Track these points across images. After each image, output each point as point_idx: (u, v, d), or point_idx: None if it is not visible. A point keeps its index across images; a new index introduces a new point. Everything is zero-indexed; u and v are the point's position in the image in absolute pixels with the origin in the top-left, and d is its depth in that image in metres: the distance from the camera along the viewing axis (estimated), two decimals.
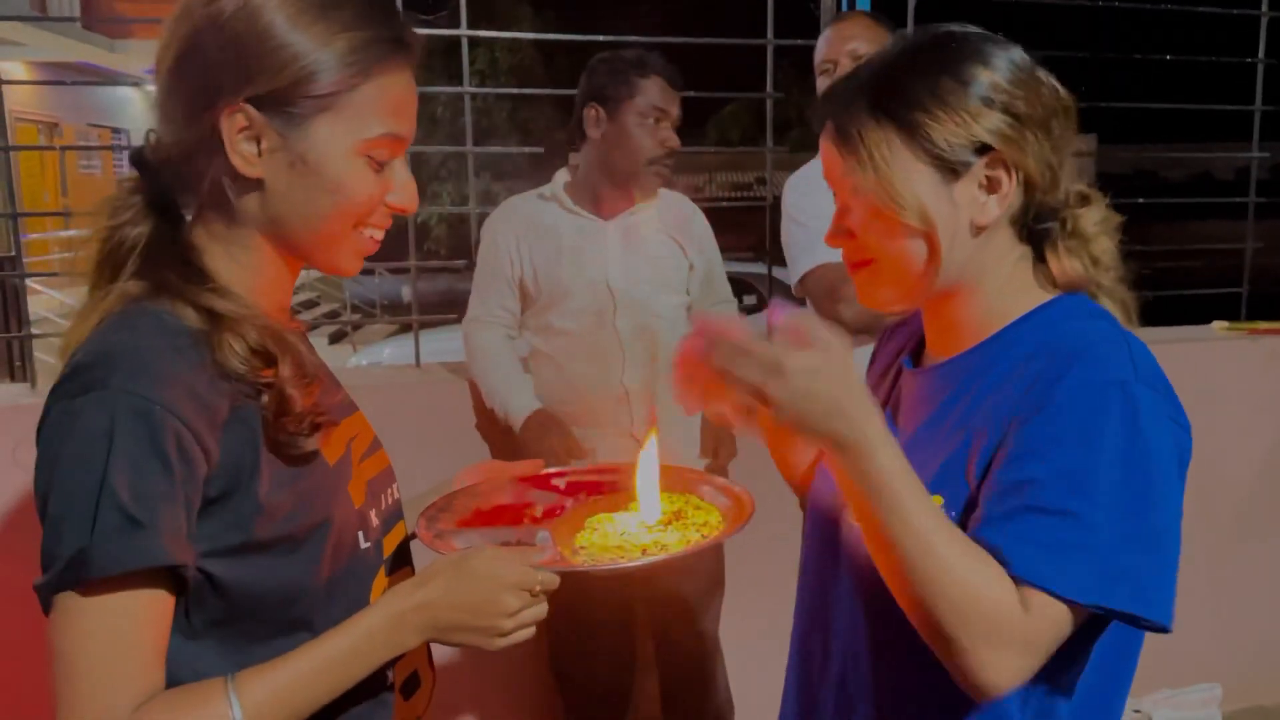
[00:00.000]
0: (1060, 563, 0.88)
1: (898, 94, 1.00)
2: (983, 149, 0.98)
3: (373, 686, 1.01)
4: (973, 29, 1.03)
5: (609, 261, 2.31)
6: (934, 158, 0.99)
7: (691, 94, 2.78)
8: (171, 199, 0.97)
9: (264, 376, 0.92)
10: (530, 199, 2.39)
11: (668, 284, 2.37)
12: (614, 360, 2.31)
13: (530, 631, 0.96)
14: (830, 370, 0.88)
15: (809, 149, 2.62)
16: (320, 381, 0.99)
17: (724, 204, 2.98)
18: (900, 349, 1.21)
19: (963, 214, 1.00)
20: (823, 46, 2.41)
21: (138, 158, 0.97)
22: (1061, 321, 1.02)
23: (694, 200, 2.51)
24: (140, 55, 14.90)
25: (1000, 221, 1.02)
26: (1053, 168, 1.01)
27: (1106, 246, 1.06)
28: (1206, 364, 3.01)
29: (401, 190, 0.98)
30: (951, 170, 0.99)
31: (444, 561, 0.96)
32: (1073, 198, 1.05)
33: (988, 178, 1.00)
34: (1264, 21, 3.15)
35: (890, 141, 0.99)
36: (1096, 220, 1.06)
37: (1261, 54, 3.17)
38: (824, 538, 1.16)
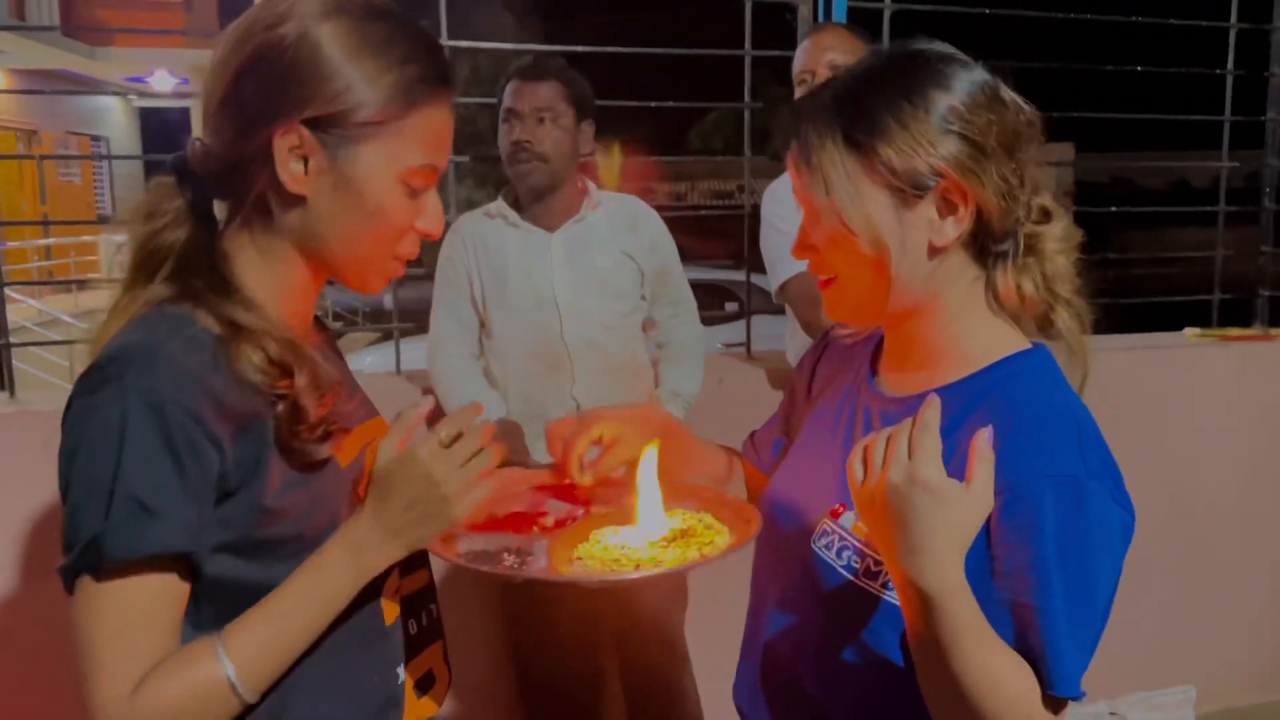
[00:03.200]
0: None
1: (856, 118, 1.00)
2: (938, 175, 0.98)
3: (384, 685, 1.06)
4: (938, 48, 1.03)
5: (554, 275, 2.30)
6: (889, 183, 0.99)
7: (671, 104, 2.81)
8: (209, 206, 1.01)
9: (280, 387, 0.96)
10: (478, 217, 2.39)
11: (617, 294, 2.36)
12: (563, 374, 2.31)
13: (483, 482, 0.98)
14: (948, 511, 0.87)
15: None
16: (336, 392, 1.02)
17: (702, 212, 3.00)
18: (851, 355, 1.22)
19: (918, 236, 1.00)
20: (801, 57, 2.44)
21: (179, 164, 1.01)
22: (1019, 381, 1.02)
23: (675, 208, 2.51)
24: (120, 63, 14.86)
25: (955, 243, 1.02)
26: (1011, 191, 1.01)
27: (1062, 264, 1.05)
28: (1179, 370, 3.05)
29: (430, 216, 1.03)
30: (907, 195, 0.99)
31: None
32: (1035, 212, 1.05)
33: (944, 201, 1.00)
34: (1232, 34, 3.21)
35: (846, 165, 1.00)
36: (1057, 238, 1.05)
37: (1230, 65, 3.23)
38: (771, 548, 1.18)
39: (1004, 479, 0.92)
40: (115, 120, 17.43)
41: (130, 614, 0.89)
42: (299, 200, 0.97)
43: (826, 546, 1.08)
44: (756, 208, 2.60)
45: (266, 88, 0.95)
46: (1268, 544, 3.15)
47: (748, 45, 2.80)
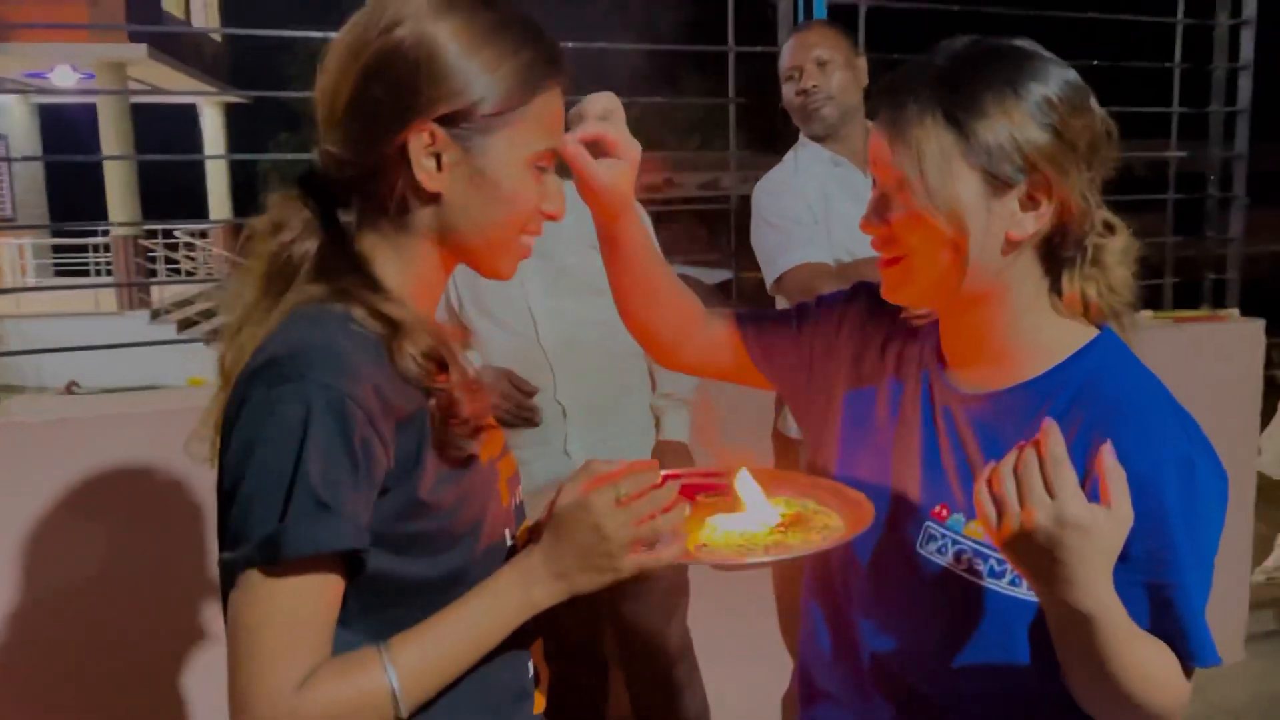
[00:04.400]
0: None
1: (960, 99, 1.00)
2: (1031, 167, 1.00)
3: (517, 679, 1.10)
4: (1038, 48, 1.05)
5: (525, 278, 2.27)
6: (982, 166, 1.00)
7: (658, 99, 2.81)
8: (337, 214, 1.02)
9: (436, 382, 0.98)
10: None
11: (594, 289, 2.25)
12: (545, 379, 2.28)
13: (658, 552, 0.98)
14: (1097, 541, 0.88)
15: (776, 151, 2.69)
16: (482, 387, 1.04)
17: (685, 207, 3.03)
18: (902, 333, 1.20)
19: (998, 226, 1.01)
20: (787, 55, 2.48)
21: (306, 176, 1.03)
22: (1104, 369, 1.06)
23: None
24: (19, 58, 14.24)
25: (1030, 240, 1.03)
26: (1089, 197, 1.03)
27: (1124, 276, 1.08)
28: (1139, 351, 3.17)
29: (554, 198, 1.05)
30: (997, 182, 1.00)
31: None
32: (1099, 225, 1.06)
33: (1029, 195, 1.01)
34: (1179, 29, 3.35)
35: (943, 142, 1.00)
36: (1119, 250, 1.07)
37: (1177, 59, 3.37)
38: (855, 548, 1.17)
39: (1124, 469, 0.93)
40: (14, 118, 16.73)
41: (298, 610, 0.90)
42: (434, 197, 0.99)
43: (939, 551, 1.09)
44: (742, 201, 2.64)
45: (394, 92, 0.96)
46: None
47: (730, 41, 2.83)
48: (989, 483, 0.91)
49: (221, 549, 0.91)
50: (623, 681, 2.55)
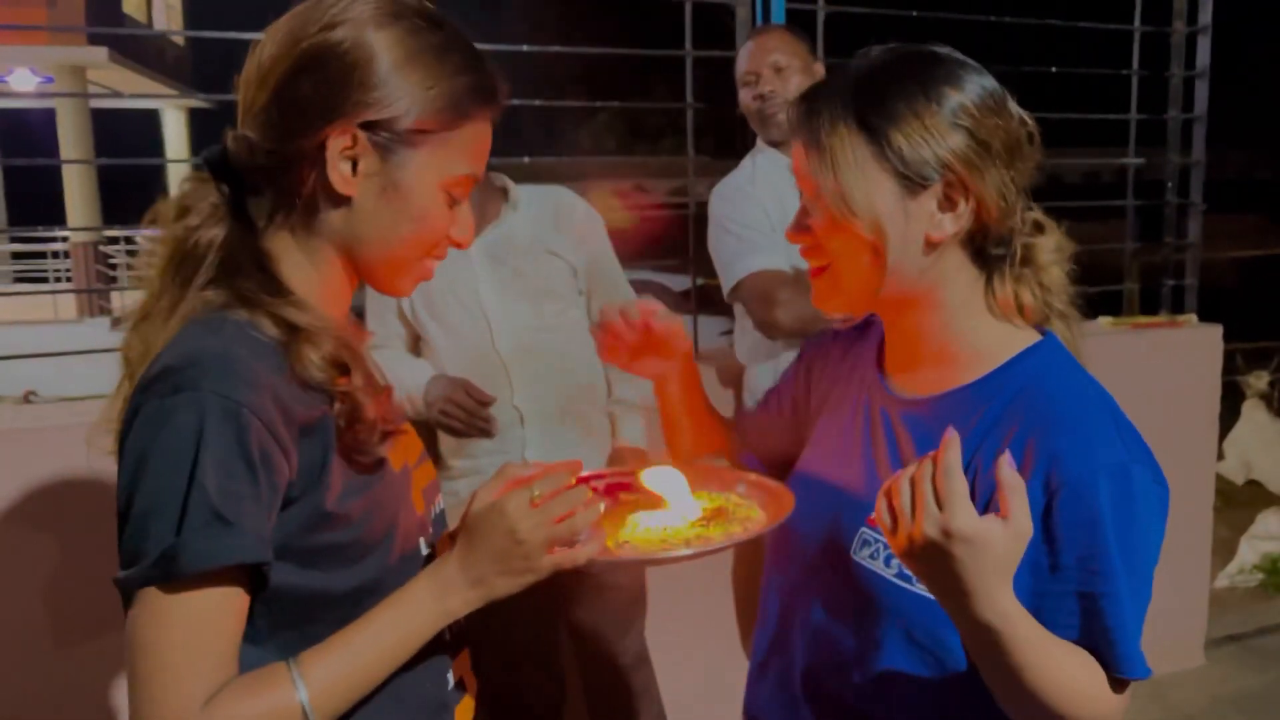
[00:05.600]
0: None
1: (872, 104, 1.01)
2: (944, 168, 1.01)
3: (437, 692, 1.07)
4: (954, 53, 1.06)
5: (479, 285, 2.25)
6: (896, 170, 1.01)
7: (616, 104, 2.79)
8: (245, 203, 1.00)
9: (338, 385, 0.96)
10: None
11: (547, 294, 2.30)
12: (502, 385, 2.26)
13: (575, 551, 0.97)
14: (989, 553, 0.86)
15: (734, 156, 2.67)
16: (388, 391, 1.04)
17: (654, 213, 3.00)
18: (851, 353, 1.22)
19: (917, 228, 1.02)
20: (745, 59, 2.47)
21: (215, 159, 1.00)
22: (1043, 374, 1.04)
23: None
24: None
25: (952, 241, 1.04)
26: (1008, 196, 1.03)
27: (1057, 275, 1.08)
28: (1096, 357, 3.17)
29: (462, 225, 1.04)
30: (912, 184, 1.01)
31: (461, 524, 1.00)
32: (1028, 225, 1.07)
33: (946, 196, 1.02)
34: (1136, 36, 3.37)
35: (857, 148, 1.01)
36: (1051, 249, 1.08)
37: (1135, 66, 3.39)
38: (798, 559, 1.18)
39: (1059, 477, 0.95)
40: None
41: (200, 626, 0.87)
42: (344, 201, 0.98)
43: (871, 556, 1.08)
44: (700, 207, 2.62)
45: (322, 89, 0.95)
46: (1174, 520, 3.32)
47: (688, 45, 2.82)
48: (887, 494, 0.91)
49: (119, 566, 0.88)
50: (580, 692, 2.53)
